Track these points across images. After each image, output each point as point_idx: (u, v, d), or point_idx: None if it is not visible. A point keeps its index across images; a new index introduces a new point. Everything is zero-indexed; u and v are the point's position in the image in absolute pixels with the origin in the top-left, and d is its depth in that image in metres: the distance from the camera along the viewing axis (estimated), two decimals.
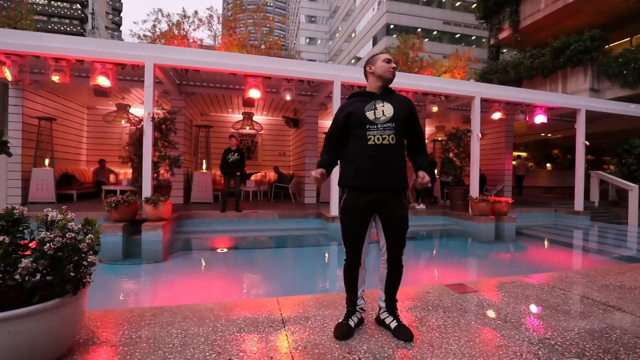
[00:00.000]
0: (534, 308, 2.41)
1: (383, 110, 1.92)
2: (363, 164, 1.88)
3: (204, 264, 5.22)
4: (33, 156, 7.56)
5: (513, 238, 6.93)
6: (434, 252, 6.42)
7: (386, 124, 1.89)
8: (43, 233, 1.50)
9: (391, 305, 2.00)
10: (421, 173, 1.94)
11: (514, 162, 12.88)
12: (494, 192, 10.41)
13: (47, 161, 7.72)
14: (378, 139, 1.87)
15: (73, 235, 1.54)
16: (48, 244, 1.46)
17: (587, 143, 8.87)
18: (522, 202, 10.52)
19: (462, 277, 4.69)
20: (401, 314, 2.26)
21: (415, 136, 2.04)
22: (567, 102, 8.91)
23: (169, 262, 4.93)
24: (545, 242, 7.22)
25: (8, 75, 5.58)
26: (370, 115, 1.91)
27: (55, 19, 57.16)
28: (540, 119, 8.80)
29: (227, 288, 3.95)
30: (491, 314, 2.28)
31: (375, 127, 1.88)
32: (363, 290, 2.05)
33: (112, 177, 9.39)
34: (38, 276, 1.53)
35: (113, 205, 5.09)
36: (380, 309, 2.04)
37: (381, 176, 1.87)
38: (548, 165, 17.78)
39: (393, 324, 1.93)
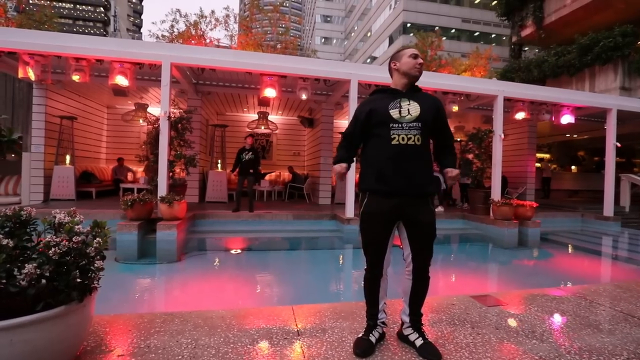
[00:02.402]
0: (572, 326, 2.20)
1: (409, 109, 1.77)
2: (386, 166, 1.74)
3: (217, 265, 5.16)
4: (55, 154, 7.72)
5: (537, 244, 6.59)
6: (454, 258, 6.18)
7: (412, 123, 1.74)
8: (49, 237, 1.43)
9: (416, 320, 1.84)
10: (449, 168, 1.86)
11: (538, 164, 12.37)
12: (516, 195, 10.00)
13: (68, 159, 7.88)
14: (403, 139, 1.72)
15: (80, 239, 1.46)
16: (53, 249, 1.38)
17: (619, 144, 8.38)
18: (547, 206, 10.07)
19: (485, 286, 4.46)
20: (425, 328, 2.10)
21: (442, 137, 1.91)
22: (597, 102, 8.45)
23: (182, 262, 4.90)
24: (573, 250, 6.84)
25: (31, 75, 5.68)
26: (394, 113, 1.77)
27: (80, 22, 59.23)
28: (567, 119, 8.37)
29: (240, 291, 3.86)
30: (525, 331, 2.09)
31: (400, 126, 1.74)
32: (385, 303, 1.89)
33: (129, 176, 9.52)
34: (45, 281, 1.46)
35: (129, 203, 5.10)
36: (403, 323, 1.89)
37: (406, 179, 1.72)
38: (573, 167, 17.04)
39: (418, 342, 1.77)
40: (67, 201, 7.41)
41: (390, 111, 1.78)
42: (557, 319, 2.32)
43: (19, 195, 7.54)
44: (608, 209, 8.49)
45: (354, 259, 5.39)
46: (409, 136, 1.73)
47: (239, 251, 5.68)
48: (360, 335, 1.84)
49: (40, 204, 7.21)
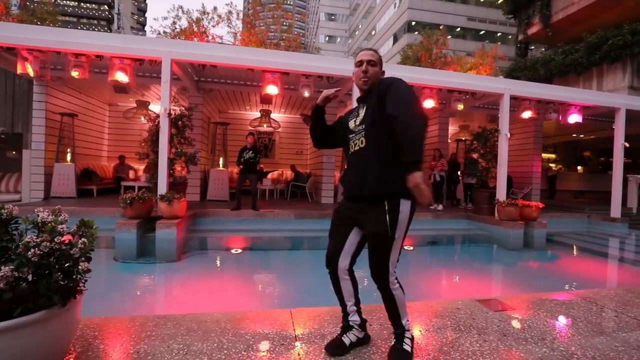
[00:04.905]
0: (583, 333, 2.09)
1: (361, 114, 1.74)
2: (345, 172, 1.80)
3: (217, 265, 5.09)
4: (55, 151, 7.67)
5: (543, 245, 6.46)
6: (458, 259, 6.06)
7: (359, 126, 1.72)
8: (28, 237, 1.34)
9: (395, 328, 1.72)
10: (409, 177, 1.42)
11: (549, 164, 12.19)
12: (521, 195, 9.86)
13: (69, 157, 7.83)
14: (353, 145, 1.74)
15: (62, 239, 1.38)
16: (33, 250, 1.29)
17: (627, 145, 8.21)
18: (553, 207, 9.91)
19: (490, 288, 4.35)
20: (429, 333, 2.01)
21: (387, 113, 1.52)
22: (606, 101, 8.28)
23: (182, 262, 4.83)
24: (580, 252, 6.70)
25: (30, 71, 5.62)
26: (351, 124, 1.78)
27: (84, 20, 59.43)
28: (574, 118, 8.21)
29: (239, 292, 3.78)
30: (534, 338, 1.99)
31: (354, 134, 1.75)
32: (353, 305, 1.78)
33: (131, 173, 9.47)
34: (27, 285, 1.38)
35: (128, 202, 5.03)
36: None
37: (355, 183, 1.68)
38: (579, 168, 16.81)
39: (393, 342, 1.72)
40: (68, 199, 7.37)
41: (349, 123, 1.80)
42: (568, 325, 2.22)
43: (20, 192, 7.52)
44: (615, 210, 8.33)
45: (358, 261, 5.29)
46: (355, 142, 1.72)
47: (239, 251, 5.61)
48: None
49: (40, 201, 7.17)
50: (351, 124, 1.77)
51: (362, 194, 1.64)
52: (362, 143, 1.67)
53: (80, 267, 1.42)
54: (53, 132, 7.58)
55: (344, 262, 1.73)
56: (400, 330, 1.70)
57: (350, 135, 1.76)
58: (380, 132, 1.61)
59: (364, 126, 1.68)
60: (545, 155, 14.91)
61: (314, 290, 3.89)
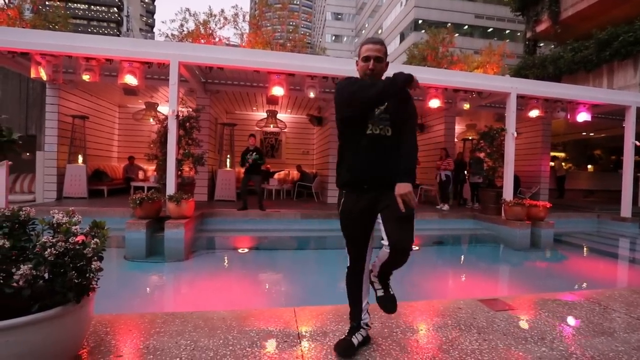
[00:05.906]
0: (584, 333, 2.11)
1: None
2: (359, 155, 1.71)
3: (224, 264, 5.18)
4: (67, 153, 7.86)
5: (551, 246, 6.41)
6: (464, 259, 6.05)
7: (384, 114, 1.71)
8: (45, 237, 1.42)
9: (383, 278, 1.81)
10: (398, 186, 1.60)
11: (551, 163, 12.05)
12: (529, 195, 9.76)
13: (80, 158, 8.02)
14: (375, 130, 1.70)
15: (76, 240, 1.45)
16: (49, 249, 1.37)
17: (638, 143, 8.08)
18: (561, 206, 9.79)
19: (495, 289, 4.35)
20: (429, 332, 2.05)
21: (402, 122, 1.73)
22: (616, 99, 8.16)
23: (190, 261, 4.93)
24: (588, 252, 6.63)
25: (43, 75, 5.78)
26: None
27: (94, 23, 60.43)
28: (583, 117, 8.10)
29: (246, 291, 3.86)
30: (534, 338, 2.01)
31: (376, 119, 1.71)
32: (368, 303, 1.84)
33: (140, 174, 9.65)
34: (43, 282, 1.46)
35: (137, 202, 5.15)
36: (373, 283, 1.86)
37: (376, 168, 1.69)
38: (589, 166, 16.55)
39: (379, 292, 1.80)
40: (80, 199, 7.56)
41: None
42: (569, 325, 2.23)
43: (34, 193, 7.72)
44: (625, 209, 8.20)
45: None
46: (380, 126, 1.70)
47: (246, 250, 5.69)
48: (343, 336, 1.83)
49: (53, 201, 7.37)
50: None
51: (385, 176, 1.67)
52: (387, 132, 1.71)
53: (93, 266, 1.50)
54: (65, 134, 7.77)
55: (369, 259, 1.82)
56: (387, 282, 1.81)
57: (369, 114, 1.72)
58: (400, 124, 1.73)
59: (389, 116, 1.71)
60: (555, 154, 14.74)
61: (319, 290, 3.95)
